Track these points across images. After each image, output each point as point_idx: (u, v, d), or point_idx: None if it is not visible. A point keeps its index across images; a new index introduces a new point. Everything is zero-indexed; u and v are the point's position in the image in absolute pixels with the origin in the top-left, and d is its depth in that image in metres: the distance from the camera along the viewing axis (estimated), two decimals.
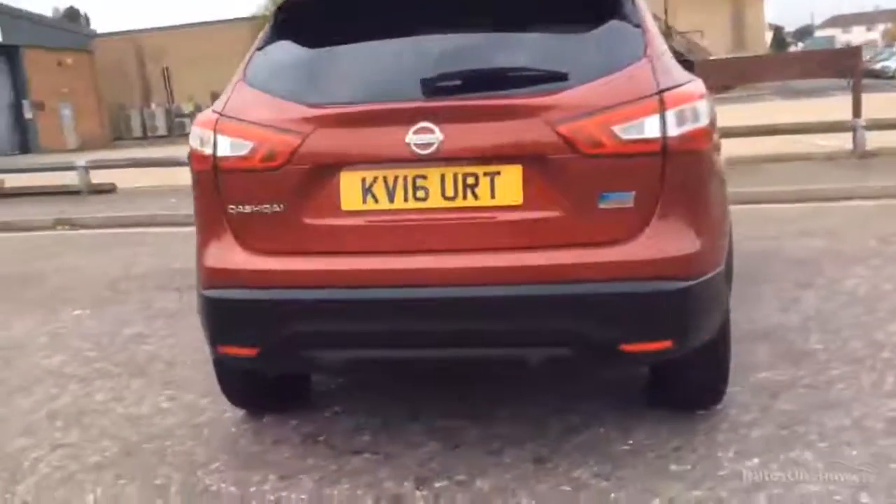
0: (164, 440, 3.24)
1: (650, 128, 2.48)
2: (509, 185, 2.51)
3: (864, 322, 4.05)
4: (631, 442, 2.95)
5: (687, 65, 4.10)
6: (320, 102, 2.63)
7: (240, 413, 3.41)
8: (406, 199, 2.56)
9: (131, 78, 48.51)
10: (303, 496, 2.73)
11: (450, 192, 2.54)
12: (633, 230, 2.51)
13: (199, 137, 2.72)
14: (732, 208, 3.30)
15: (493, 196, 2.53)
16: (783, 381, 3.39)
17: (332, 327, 2.60)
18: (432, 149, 2.49)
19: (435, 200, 2.55)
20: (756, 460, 2.76)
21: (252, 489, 2.80)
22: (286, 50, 2.86)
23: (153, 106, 44.97)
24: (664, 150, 2.48)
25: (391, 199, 2.57)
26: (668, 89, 2.54)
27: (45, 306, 5.60)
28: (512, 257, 2.52)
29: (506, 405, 3.29)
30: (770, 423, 3.02)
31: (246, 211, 2.66)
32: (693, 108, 2.57)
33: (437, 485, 2.74)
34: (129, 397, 3.72)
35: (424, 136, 2.49)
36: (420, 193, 2.55)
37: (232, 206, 2.68)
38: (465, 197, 2.53)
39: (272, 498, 2.74)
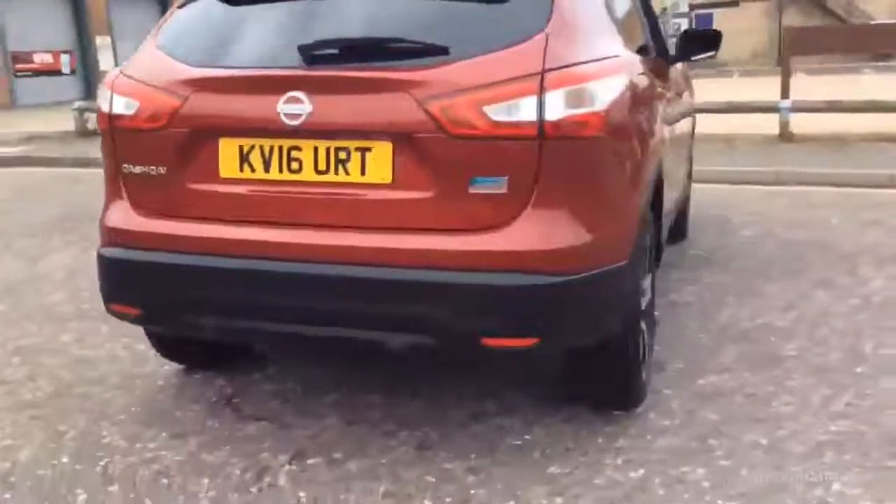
0: (94, 386, 3.34)
1: (526, 110, 2.31)
2: (379, 162, 2.41)
3: (861, 331, 3.70)
4: (527, 437, 2.83)
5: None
6: (203, 65, 2.59)
7: (178, 368, 3.47)
8: (281, 171, 2.50)
9: None
10: (179, 458, 2.76)
11: (322, 166, 2.46)
12: (505, 218, 2.36)
13: (102, 95, 2.74)
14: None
15: (363, 173, 2.43)
16: (727, 388, 3.15)
17: (202, 294, 2.59)
18: (301, 120, 2.41)
19: (308, 174, 2.48)
20: (641, 472, 2.58)
21: (138, 445, 2.85)
22: (195, 10, 2.82)
23: None
24: (541, 134, 2.31)
25: (266, 170, 2.52)
26: (556, 68, 2.35)
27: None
28: (376, 238, 2.42)
29: (436, 386, 3.21)
30: (684, 433, 2.82)
31: (136, 171, 2.68)
32: (582, 90, 2.37)
33: (310, 461, 2.71)
34: (91, 342, 3.85)
35: (293, 107, 2.41)
36: (294, 165, 2.49)
37: (125, 166, 2.70)
38: (336, 172, 2.45)
39: (149, 456, 2.77)
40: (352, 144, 2.42)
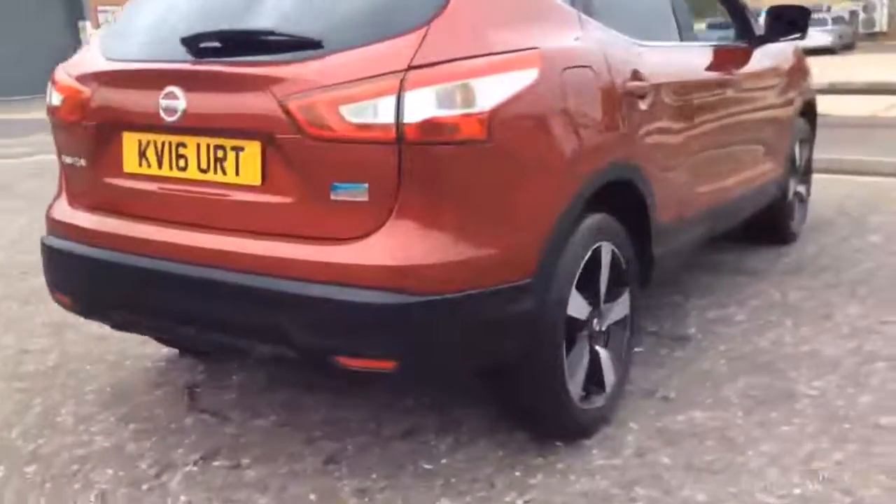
0: (87, 363, 3.49)
1: (383, 111, 2.09)
2: (250, 162, 2.29)
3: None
4: (443, 461, 2.62)
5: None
6: (111, 58, 2.59)
7: (173, 351, 3.55)
8: (171, 167, 2.45)
9: None
10: (106, 444, 2.81)
11: (204, 165, 2.39)
12: (366, 229, 2.16)
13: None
14: None
15: (237, 173, 2.33)
16: (704, 428, 2.76)
17: (105, 289, 2.61)
18: (176, 116, 2.35)
19: (192, 171, 2.41)
20: None
21: (81, 427, 2.93)
22: (131, 4, 2.83)
23: None
24: (400, 138, 2.08)
25: (160, 166, 2.48)
26: (424, 65, 2.11)
27: None
28: (243, 242, 2.31)
29: (396, 392, 3.06)
30: (614, 478, 2.49)
31: (68, 162, 2.73)
32: (454, 88, 2.11)
33: (215, 463, 2.67)
34: None
35: (170, 102, 2.35)
36: (181, 163, 2.43)
37: (63, 157, 2.76)
38: (215, 171, 2.36)
39: (84, 439, 2.85)
40: (228, 143, 2.32)
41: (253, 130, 2.26)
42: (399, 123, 2.07)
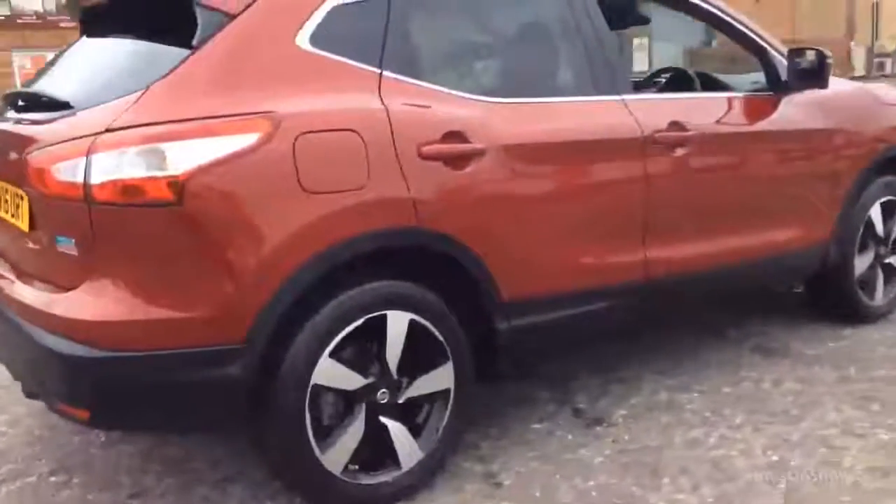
0: None
1: (77, 171, 2.22)
2: (24, 210, 2.52)
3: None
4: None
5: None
6: None
7: None
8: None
9: (837, 11, 45.88)
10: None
11: (10, 210, 2.64)
12: (74, 282, 2.31)
13: None
14: None
15: (20, 219, 2.56)
16: None
17: None
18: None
19: (3, 212, 2.68)
20: None
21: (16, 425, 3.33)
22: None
23: (852, 44, 41.82)
24: (88, 197, 2.21)
25: None
26: (119, 128, 2.21)
27: None
28: (16, 286, 2.55)
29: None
30: None
31: None
32: (144, 152, 2.19)
33: (54, 479, 2.92)
34: None
35: None
36: (3, 206, 2.71)
37: None
38: (13, 215, 2.62)
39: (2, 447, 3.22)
40: (19, 191, 2.56)
41: (17, 181, 2.48)
42: (87, 184, 2.18)
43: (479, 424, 3.12)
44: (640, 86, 4.05)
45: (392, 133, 2.48)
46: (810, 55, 3.45)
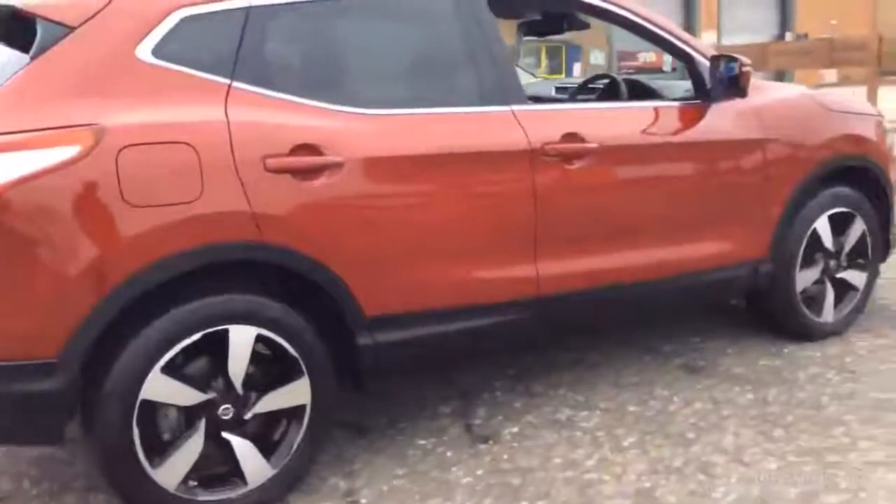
0: None
1: None
2: None
3: None
4: None
5: None
6: None
7: None
8: None
9: None
10: None
11: None
12: None
13: None
14: None
15: None
16: None
17: None
18: None
19: None
20: None
21: None
22: None
23: None
24: None
25: None
26: None
27: None
28: None
29: None
30: None
31: None
32: None
33: None
34: None
35: None
36: None
37: None
38: None
39: None
40: None
41: None
42: None
43: (368, 436, 3.09)
44: (573, 94, 3.96)
45: (231, 145, 2.45)
46: (728, 63, 3.30)
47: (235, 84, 2.54)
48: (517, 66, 4.45)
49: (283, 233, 2.54)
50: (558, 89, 4.30)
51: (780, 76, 24.82)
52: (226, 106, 2.50)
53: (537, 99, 3.86)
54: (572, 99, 3.97)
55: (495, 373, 3.63)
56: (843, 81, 18.03)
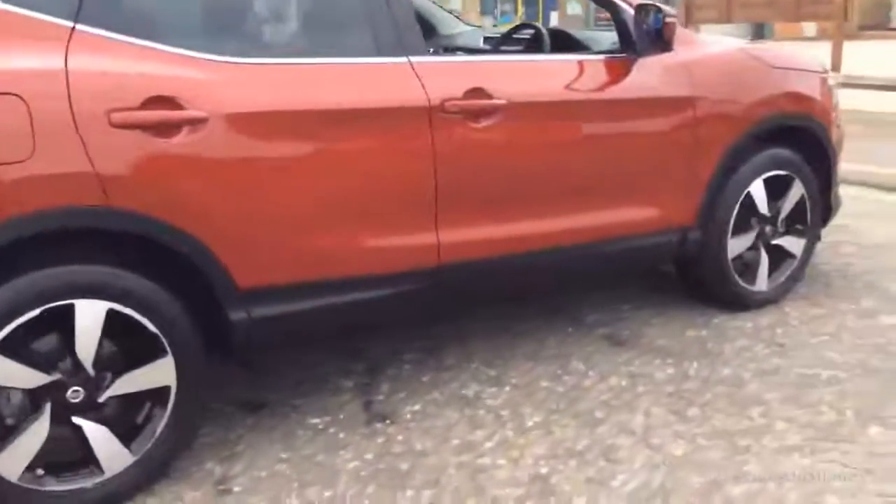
0: None
1: None
2: None
3: None
4: None
5: None
6: None
7: None
8: None
9: None
10: None
11: None
12: None
13: None
14: None
15: None
16: None
17: None
18: None
19: None
20: None
21: None
22: None
23: None
24: None
25: None
26: None
27: None
28: None
29: None
30: None
31: None
32: None
33: None
34: None
35: None
36: None
37: None
38: None
39: None
40: None
41: None
42: None
43: (259, 414, 2.89)
44: (497, 45, 3.68)
45: (70, 98, 2.17)
46: (657, 13, 3.04)
47: (80, 27, 2.26)
48: (441, 8, 4.18)
49: (133, 197, 2.28)
50: (486, 39, 4.00)
51: (759, 30, 24.48)
52: (66, 52, 2.21)
53: (453, 50, 3.60)
54: (486, 50, 3.69)
55: (407, 343, 3.41)
56: (821, 35, 17.90)
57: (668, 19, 3.01)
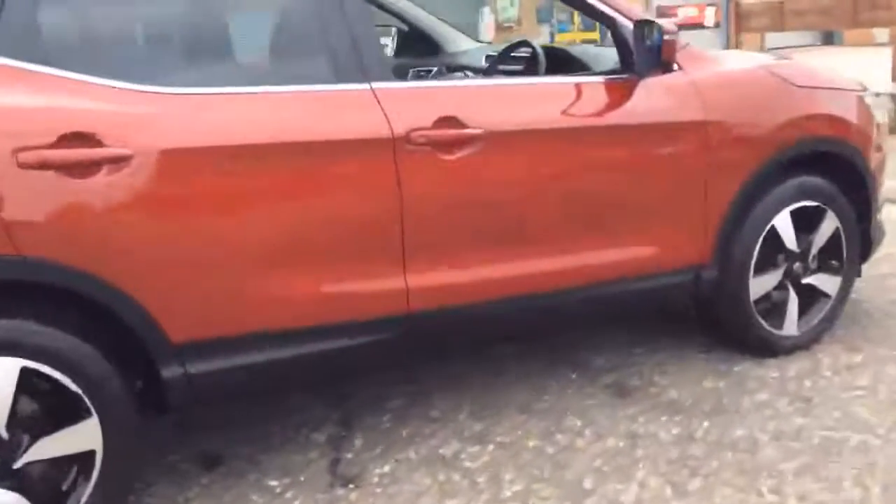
0: None
1: None
2: None
3: None
4: None
5: None
6: None
7: None
8: None
9: None
10: None
11: None
12: None
13: None
14: None
15: None
16: None
17: None
18: None
19: None
20: None
21: None
22: None
23: None
24: None
25: None
26: None
27: None
28: None
29: None
30: None
31: None
32: None
33: None
34: None
35: None
36: None
37: None
38: None
39: None
40: None
41: None
42: None
43: (216, 472, 2.67)
44: (494, 64, 3.40)
45: None
46: (648, 30, 2.72)
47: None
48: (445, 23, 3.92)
49: (44, 244, 2.06)
50: (488, 58, 3.71)
51: (829, 36, 23.45)
52: None
53: (455, 69, 3.32)
54: (465, 75, 3.39)
55: (393, 387, 3.13)
56: (894, 41, 16.75)
57: (667, 37, 2.68)
